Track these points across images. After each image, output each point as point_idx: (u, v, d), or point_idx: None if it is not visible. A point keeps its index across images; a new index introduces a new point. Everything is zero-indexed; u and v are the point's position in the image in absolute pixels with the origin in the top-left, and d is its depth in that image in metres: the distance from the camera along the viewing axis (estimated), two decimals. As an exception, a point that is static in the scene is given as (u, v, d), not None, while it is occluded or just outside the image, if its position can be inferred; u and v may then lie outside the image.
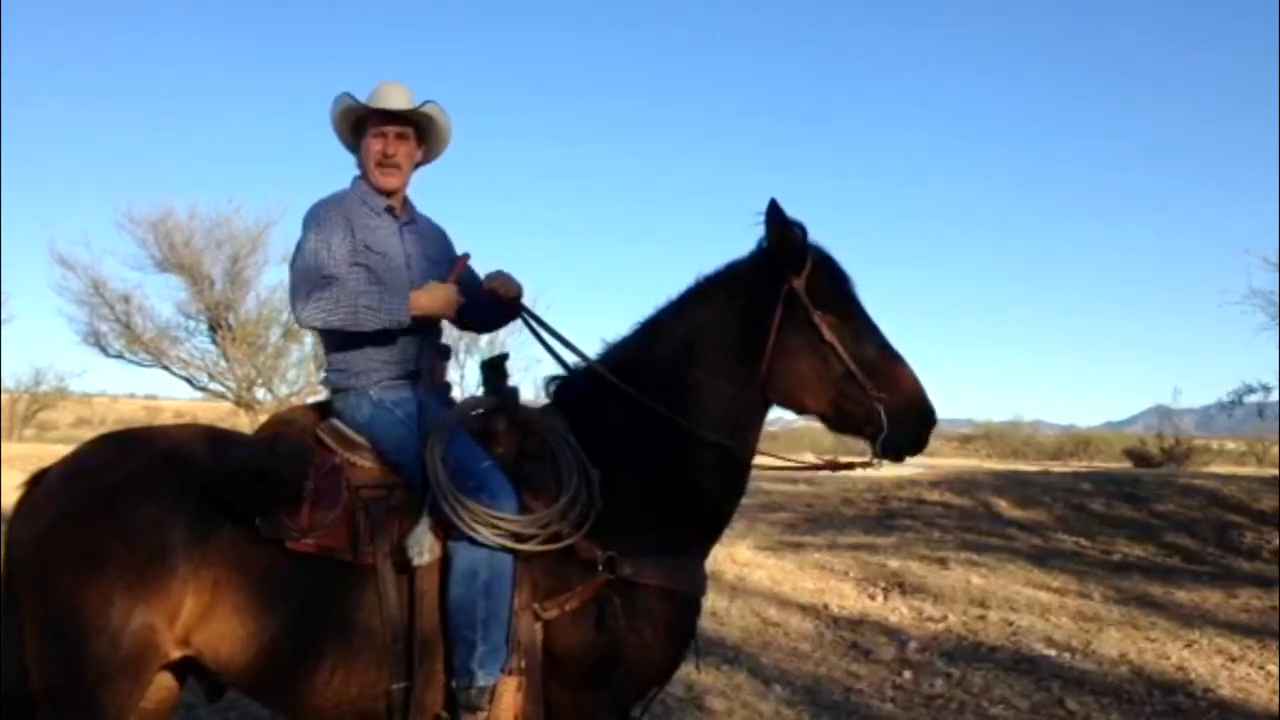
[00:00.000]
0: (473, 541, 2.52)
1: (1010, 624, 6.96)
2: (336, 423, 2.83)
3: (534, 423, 2.77)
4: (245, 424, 18.40)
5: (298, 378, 19.20)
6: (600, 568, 2.57)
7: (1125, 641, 6.48)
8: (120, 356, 18.79)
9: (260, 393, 18.80)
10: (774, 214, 2.67)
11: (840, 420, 2.71)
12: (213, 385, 18.88)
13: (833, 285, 2.71)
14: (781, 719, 4.85)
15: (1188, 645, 6.44)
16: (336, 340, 2.86)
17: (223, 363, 18.43)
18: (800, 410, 2.77)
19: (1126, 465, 23.14)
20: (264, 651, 2.54)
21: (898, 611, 7.43)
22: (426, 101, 2.98)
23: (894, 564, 9.07)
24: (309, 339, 19.14)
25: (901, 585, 8.25)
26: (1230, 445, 28.36)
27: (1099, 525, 12.44)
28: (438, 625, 2.56)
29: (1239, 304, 14.01)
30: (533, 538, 2.55)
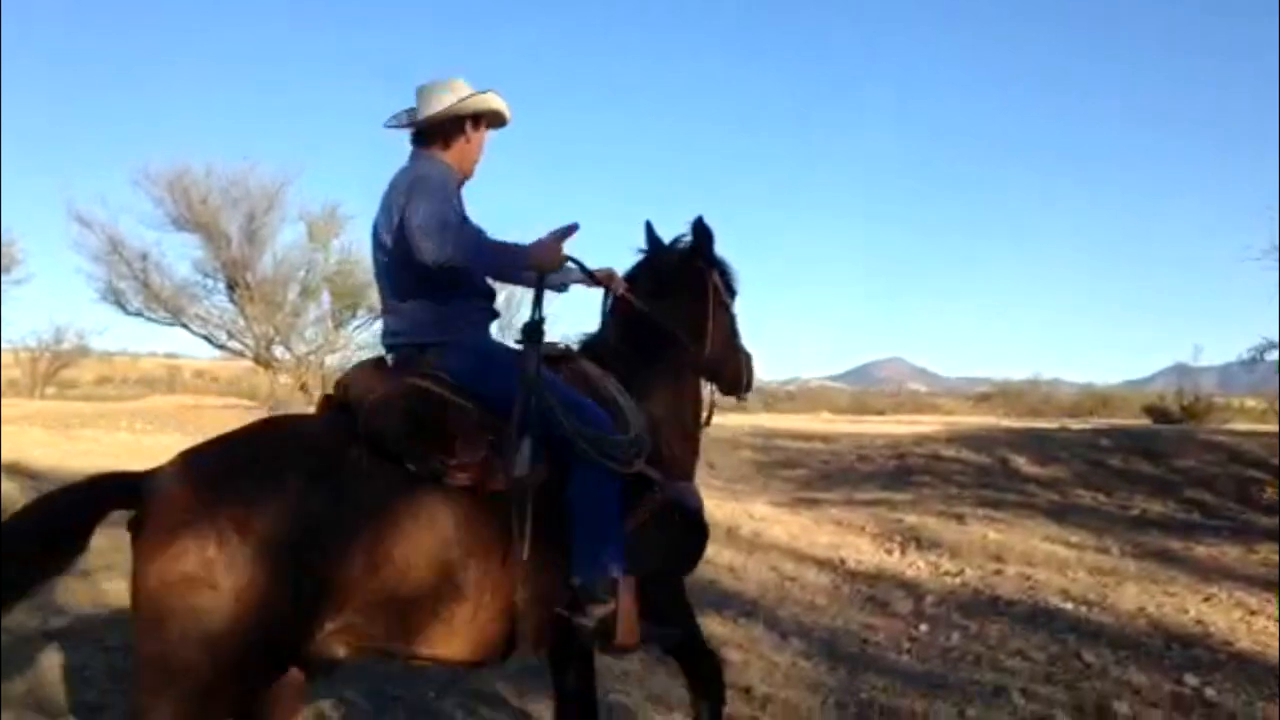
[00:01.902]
0: (597, 466, 2.87)
1: (1027, 578, 6.96)
2: (442, 374, 2.95)
3: (588, 373, 3.15)
4: (264, 383, 18.46)
5: (316, 335, 19.22)
6: (657, 489, 3.04)
7: (1143, 595, 6.47)
8: (140, 314, 18.85)
9: (279, 350, 18.84)
10: (705, 230, 3.48)
11: (732, 366, 3.62)
12: (231, 343, 18.92)
13: (731, 281, 3.62)
14: (798, 670, 4.86)
15: (1206, 599, 6.42)
16: (429, 297, 3.00)
17: (241, 320, 18.45)
18: (717, 361, 3.55)
19: (1146, 422, 23.02)
20: (417, 586, 2.64)
21: (914, 566, 7.44)
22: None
23: (911, 519, 9.07)
24: (326, 297, 19.13)
25: (918, 540, 8.26)
26: (1251, 403, 28.15)
27: (1117, 481, 12.41)
28: (553, 538, 2.81)
29: (1260, 259, 13.79)
30: (632, 461, 2.96)
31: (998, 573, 7.16)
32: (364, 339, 19.84)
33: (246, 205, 18.56)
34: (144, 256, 18.42)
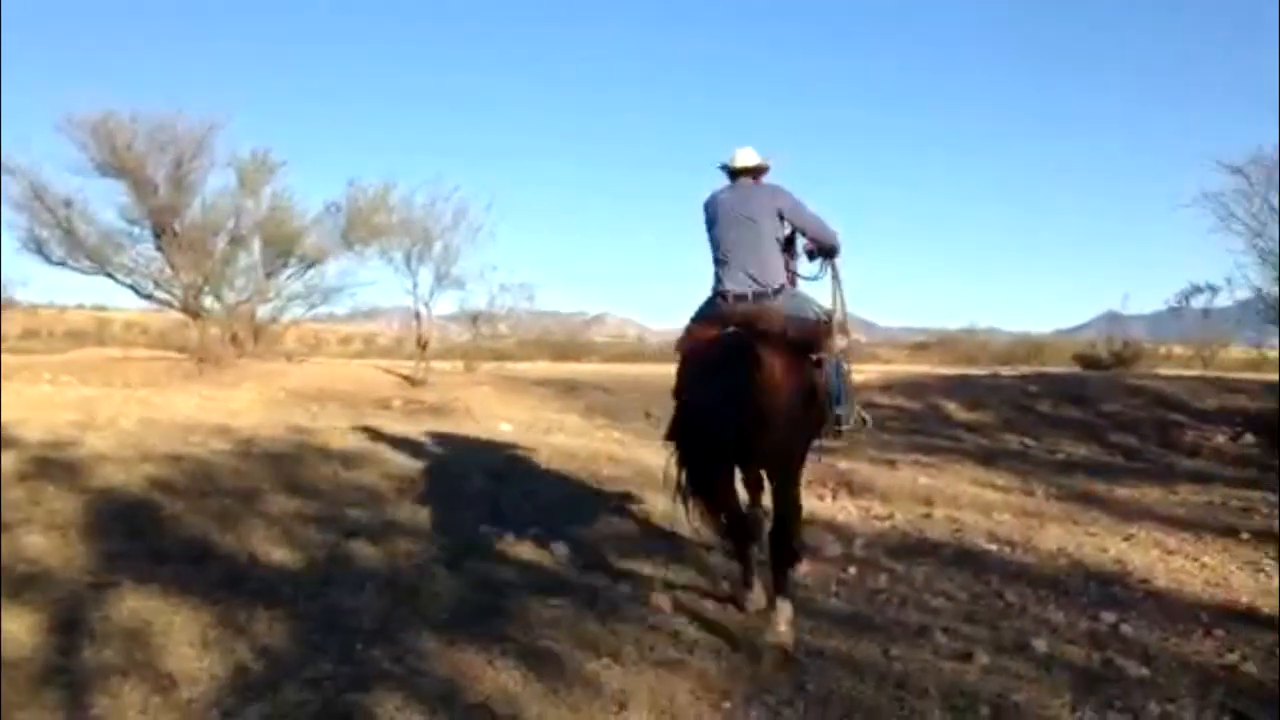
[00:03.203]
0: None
1: (954, 521, 7.09)
2: (788, 309, 4.93)
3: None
4: (194, 335, 18.03)
5: (246, 285, 18.80)
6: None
7: (1065, 536, 6.62)
8: (63, 264, 18.25)
9: (208, 300, 18.39)
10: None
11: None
12: (159, 293, 18.40)
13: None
14: (728, 613, 4.89)
15: (1126, 539, 6.59)
16: (773, 261, 5.09)
17: (168, 270, 17.94)
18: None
19: (1076, 369, 23.43)
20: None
21: (846, 511, 7.53)
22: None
23: (844, 465, 9.18)
24: (256, 246, 18.69)
25: (850, 486, 8.36)
26: (1179, 350, 28.77)
27: (1045, 426, 12.67)
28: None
29: (1190, 207, 14.06)
30: None
31: (926, 516, 7.28)
32: (295, 289, 19.41)
33: (174, 151, 17.94)
34: (68, 203, 17.80)
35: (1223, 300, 14.94)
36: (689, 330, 5.20)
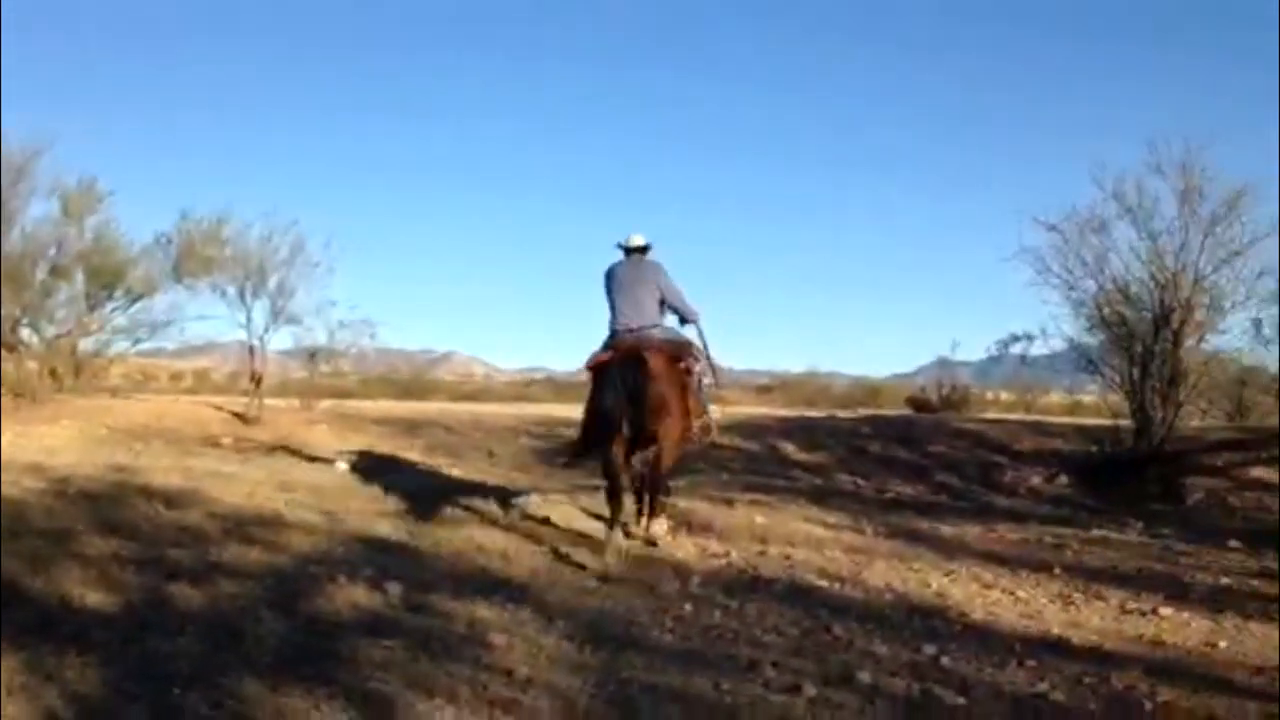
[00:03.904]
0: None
1: (787, 558, 7.26)
2: (663, 338, 7.50)
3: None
4: (11, 370, 16.95)
5: (67, 317, 17.81)
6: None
7: (891, 572, 6.86)
8: None
9: (25, 333, 17.36)
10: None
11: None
12: (-28, 327, 17.26)
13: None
14: (562, 652, 4.87)
15: (947, 574, 6.87)
16: (650, 308, 7.44)
17: (-18, 302, 16.84)
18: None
19: (908, 412, 24.33)
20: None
21: (684, 549, 7.61)
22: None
23: (683, 504, 9.28)
24: (80, 277, 17.76)
25: (689, 524, 8.46)
26: (1004, 395, 30.25)
27: (876, 466, 13.13)
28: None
29: (1009, 260, 14.85)
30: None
31: (761, 553, 7.42)
32: (121, 322, 18.45)
33: (-8, 177, 17.00)
34: (-126, 231, 16.60)
35: (1039, 349, 15.77)
36: (594, 355, 7.39)
